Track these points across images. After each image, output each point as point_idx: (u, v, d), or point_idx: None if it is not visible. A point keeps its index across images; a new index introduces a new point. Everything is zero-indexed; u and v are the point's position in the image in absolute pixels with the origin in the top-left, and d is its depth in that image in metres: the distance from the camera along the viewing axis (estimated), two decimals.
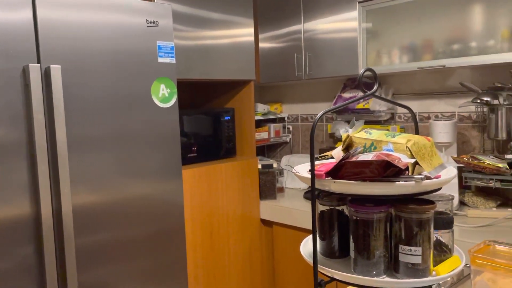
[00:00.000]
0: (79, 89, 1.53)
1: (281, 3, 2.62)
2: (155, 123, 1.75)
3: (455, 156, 2.06)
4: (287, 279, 2.48)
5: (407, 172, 0.82)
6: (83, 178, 1.55)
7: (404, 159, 0.83)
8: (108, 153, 1.62)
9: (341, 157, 0.88)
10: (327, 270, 0.88)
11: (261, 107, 2.87)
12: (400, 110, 2.48)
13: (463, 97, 2.21)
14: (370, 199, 0.86)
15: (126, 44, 1.65)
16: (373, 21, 2.20)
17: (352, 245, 0.88)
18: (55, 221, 1.47)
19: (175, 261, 1.84)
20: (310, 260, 0.90)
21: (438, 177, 0.86)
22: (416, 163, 0.84)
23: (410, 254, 0.83)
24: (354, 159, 0.85)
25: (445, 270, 0.84)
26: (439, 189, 0.87)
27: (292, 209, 2.33)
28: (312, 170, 0.86)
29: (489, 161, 1.95)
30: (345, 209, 0.96)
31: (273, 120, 3.00)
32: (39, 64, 1.40)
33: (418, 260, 0.83)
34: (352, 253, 0.88)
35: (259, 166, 2.52)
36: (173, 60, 1.80)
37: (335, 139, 2.84)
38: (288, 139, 3.03)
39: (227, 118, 2.41)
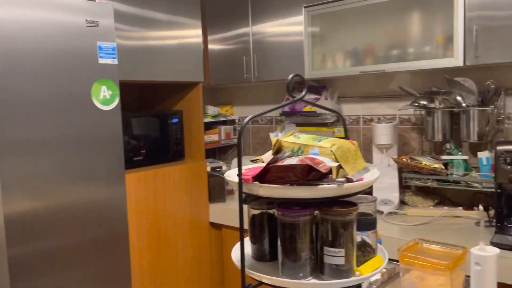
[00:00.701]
0: (13, 91, 1.46)
1: (230, 6, 2.62)
2: (96, 126, 1.70)
3: (396, 157, 2.14)
4: (237, 282, 2.48)
5: (330, 175, 0.85)
6: (18, 183, 1.48)
7: (329, 163, 0.85)
8: (47, 157, 1.55)
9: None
10: (255, 274, 0.88)
11: (212, 109, 2.86)
12: (346, 112, 2.54)
13: (404, 100, 2.30)
14: (297, 203, 0.88)
15: (64, 45, 1.59)
16: (320, 26, 2.24)
17: (279, 248, 0.89)
18: None
19: (119, 267, 1.79)
20: (239, 265, 0.91)
21: (361, 179, 0.89)
22: (340, 167, 0.86)
23: (334, 256, 0.85)
24: (280, 163, 0.86)
25: (368, 270, 0.87)
26: (364, 191, 0.90)
27: None
28: (239, 175, 0.86)
29: (426, 161, 2.03)
30: (276, 213, 0.97)
31: (224, 122, 3.00)
32: None
33: (341, 261, 0.85)
34: (279, 256, 0.89)
35: (208, 169, 2.51)
36: (115, 61, 1.76)
37: None
38: None
39: (175, 120, 2.38)
